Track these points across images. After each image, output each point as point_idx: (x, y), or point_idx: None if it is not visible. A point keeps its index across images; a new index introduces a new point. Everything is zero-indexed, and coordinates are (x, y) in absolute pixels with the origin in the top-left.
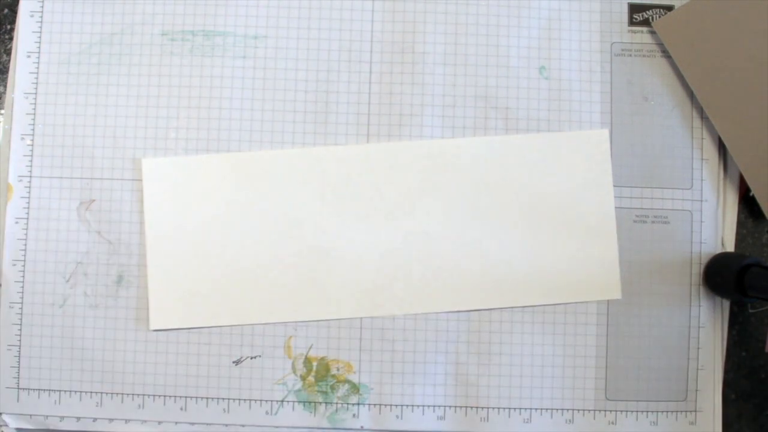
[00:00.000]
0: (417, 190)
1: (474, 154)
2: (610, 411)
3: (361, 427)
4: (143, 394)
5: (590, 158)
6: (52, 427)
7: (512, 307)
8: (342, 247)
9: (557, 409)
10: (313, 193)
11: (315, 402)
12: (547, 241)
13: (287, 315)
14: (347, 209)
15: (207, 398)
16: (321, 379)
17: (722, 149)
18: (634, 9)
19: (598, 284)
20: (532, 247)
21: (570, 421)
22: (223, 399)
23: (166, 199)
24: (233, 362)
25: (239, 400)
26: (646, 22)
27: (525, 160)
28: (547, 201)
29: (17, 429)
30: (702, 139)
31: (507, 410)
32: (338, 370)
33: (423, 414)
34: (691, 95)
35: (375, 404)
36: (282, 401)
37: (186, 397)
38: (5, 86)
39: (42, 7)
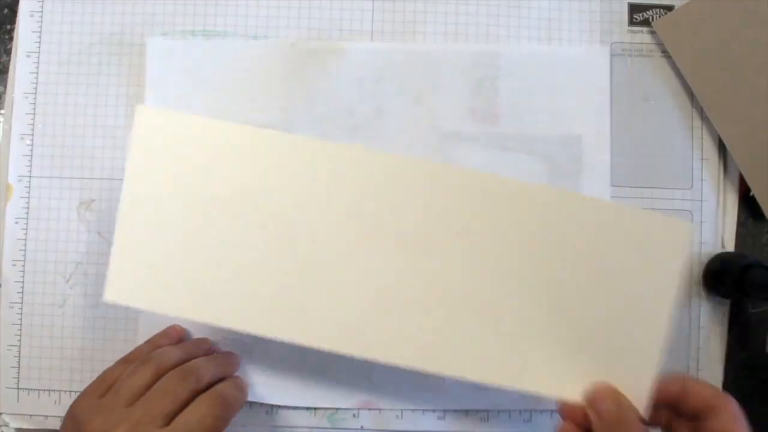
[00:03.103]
0: (442, 223)
1: (521, 200)
2: None
3: (361, 427)
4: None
5: (660, 250)
6: (52, 427)
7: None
8: (337, 267)
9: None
10: (322, 194)
11: None
12: (575, 327)
13: (258, 327)
14: (355, 223)
15: None
16: None
17: (722, 149)
18: (634, 9)
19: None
20: (553, 330)
21: None
22: None
23: (155, 155)
24: None
25: None
26: (646, 22)
27: (580, 227)
28: (589, 282)
29: (17, 429)
30: (702, 139)
31: (507, 411)
32: None
33: (423, 414)
34: (691, 95)
35: (375, 404)
36: None
37: None
38: (5, 86)
39: (42, 7)
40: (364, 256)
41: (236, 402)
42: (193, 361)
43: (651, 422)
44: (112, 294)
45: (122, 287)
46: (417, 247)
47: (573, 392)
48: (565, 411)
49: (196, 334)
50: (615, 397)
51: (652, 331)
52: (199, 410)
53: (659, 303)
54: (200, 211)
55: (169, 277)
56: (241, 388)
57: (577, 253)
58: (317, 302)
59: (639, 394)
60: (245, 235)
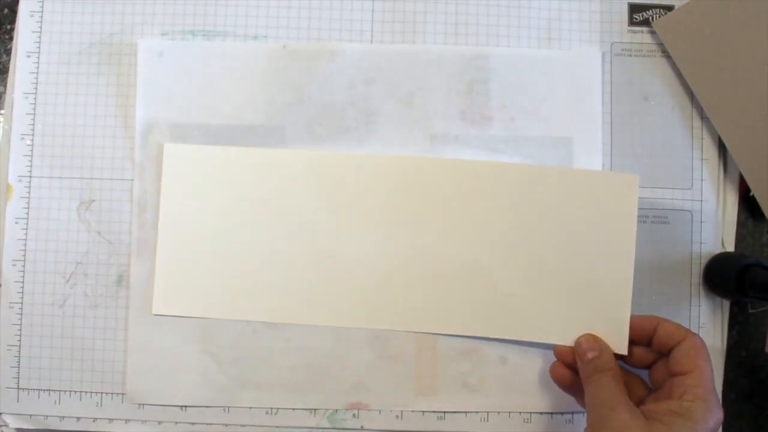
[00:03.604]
0: (436, 208)
1: (499, 180)
2: None
3: (361, 427)
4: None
5: (616, 203)
6: (52, 427)
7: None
8: (351, 256)
9: (558, 412)
10: (329, 197)
11: None
12: (559, 280)
13: (288, 316)
14: (361, 217)
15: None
16: None
17: (722, 149)
18: (634, 9)
19: (605, 335)
20: (542, 285)
21: (570, 421)
22: None
23: (184, 184)
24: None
25: None
26: (646, 22)
27: (550, 194)
28: (565, 240)
29: (17, 429)
30: (702, 139)
31: (507, 412)
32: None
33: (423, 415)
34: (691, 95)
35: (375, 405)
36: None
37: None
38: (5, 86)
39: (42, 7)
40: (374, 244)
41: None
42: None
43: (634, 362)
44: (159, 308)
45: (167, 301)
46: (417, 231)
47: (563, 337)
48: (559, 353)
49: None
50: (597, 345)
51: (621, 278)
52: None
53: (623, 251)
54: (228, 225)
55: (207, 286)
56: None
57: (551, 218)
58: (338, 289)
59: (618, 333)
60: (268, 241)
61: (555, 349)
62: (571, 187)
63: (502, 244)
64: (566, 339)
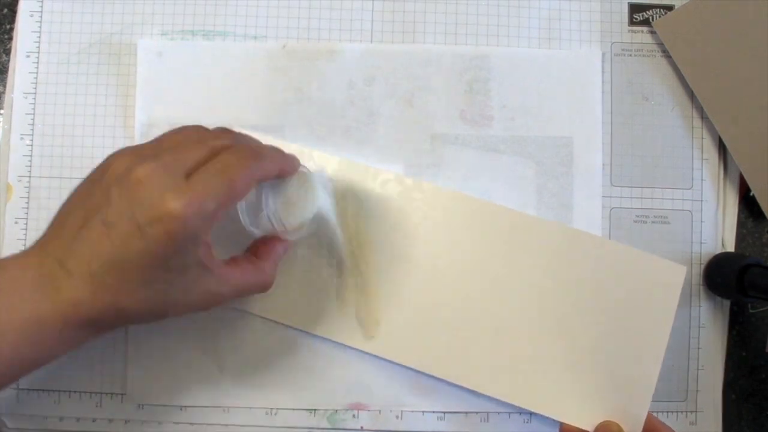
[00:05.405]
0: (485, 255)
1: (546, 237)
2: None
3: (361, 427)
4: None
5: (658, 291)
6: (51, 428)
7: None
8: (384, 277)
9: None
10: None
11: None
12: (583, 360)
13: (297, 322)
14: (407, 245)
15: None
16: None
17: (722, 149)
18: (634, 9)
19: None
20: (565, 359)
21: None
22: None
23: None
24: None
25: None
26: (646, 22)
27: (593, 265)
28: (599, 319)
29: (17, 429)
30: (702, 139)
31: (507, 412)
32: None
33: (423, 415)
34: (691, 95)
35: (375, 405)
36: None
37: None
38: (5, 86)
39: (42, 7)
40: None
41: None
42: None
43: None
44: None
45: None
46: (457, 274)
47: (574, 418)
48: None
49: None
50: None
51: (648, 368)
52: (224, 159)
53: (656, 340)
54: None
55: None
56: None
57: (589, 291)
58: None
59: (634, 425)
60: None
61: (563, 428)
62: (616, 263)
63: (536, 306)
64: (577, 420)
